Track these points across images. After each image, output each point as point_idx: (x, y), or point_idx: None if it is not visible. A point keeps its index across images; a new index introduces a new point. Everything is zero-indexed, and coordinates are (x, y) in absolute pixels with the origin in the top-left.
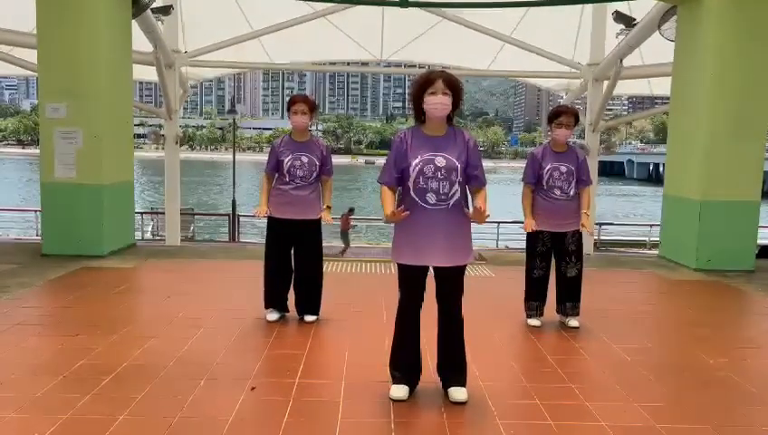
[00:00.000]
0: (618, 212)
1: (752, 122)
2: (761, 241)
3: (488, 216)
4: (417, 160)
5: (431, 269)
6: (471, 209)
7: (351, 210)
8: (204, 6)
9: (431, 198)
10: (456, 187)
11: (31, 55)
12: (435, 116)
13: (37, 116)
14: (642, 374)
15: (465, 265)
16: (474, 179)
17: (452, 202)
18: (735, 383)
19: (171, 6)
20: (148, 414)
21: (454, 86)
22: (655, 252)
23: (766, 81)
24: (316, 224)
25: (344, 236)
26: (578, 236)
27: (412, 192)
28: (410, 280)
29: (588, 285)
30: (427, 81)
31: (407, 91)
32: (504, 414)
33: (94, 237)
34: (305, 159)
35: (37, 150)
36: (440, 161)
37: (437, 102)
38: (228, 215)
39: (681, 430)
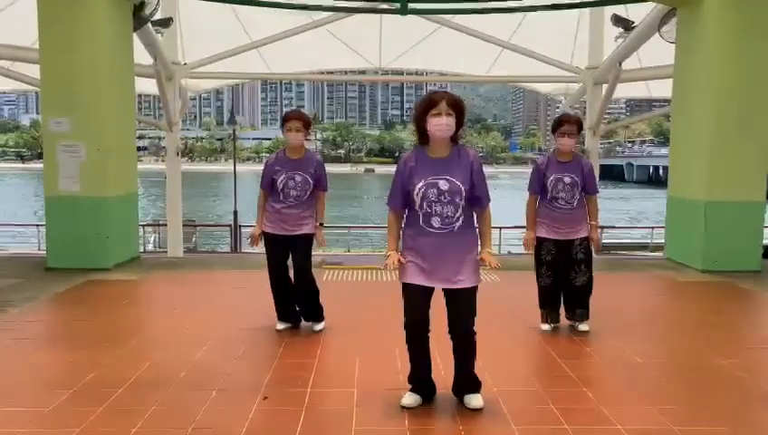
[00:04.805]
0: (619, 215)
1: (754, 122)
2: (767, 241)
3: (498, 266)
4: (420, 184)
5: (440, 289)
6: (479, 255)
7: None
8: (203, 18)
9: (436, 221)
10: (461, 209)
11: (31, 70)
12: (439, 137)
13: (36, 131)
14: (655, 376)
15: (476, 287)
16: (476, 201)
17: (457, 225)
18: (749, 383)
19: (171, 19)
20: (161, 426)
21: (457, 107)
22: (657, 254)
23: None
24: (308, 237)
25: None
26: (586, 244)
27: (418, 216)
28: (415, 301)
29: (596, 289)
30: (430, 102)
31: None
32: (519, 420)
33: (99, 250)
34: (299, 178)
35: (36, 165)
36: (444, 185)
37: (442, 123)
38: (230, 226)
39: (698, 432)
